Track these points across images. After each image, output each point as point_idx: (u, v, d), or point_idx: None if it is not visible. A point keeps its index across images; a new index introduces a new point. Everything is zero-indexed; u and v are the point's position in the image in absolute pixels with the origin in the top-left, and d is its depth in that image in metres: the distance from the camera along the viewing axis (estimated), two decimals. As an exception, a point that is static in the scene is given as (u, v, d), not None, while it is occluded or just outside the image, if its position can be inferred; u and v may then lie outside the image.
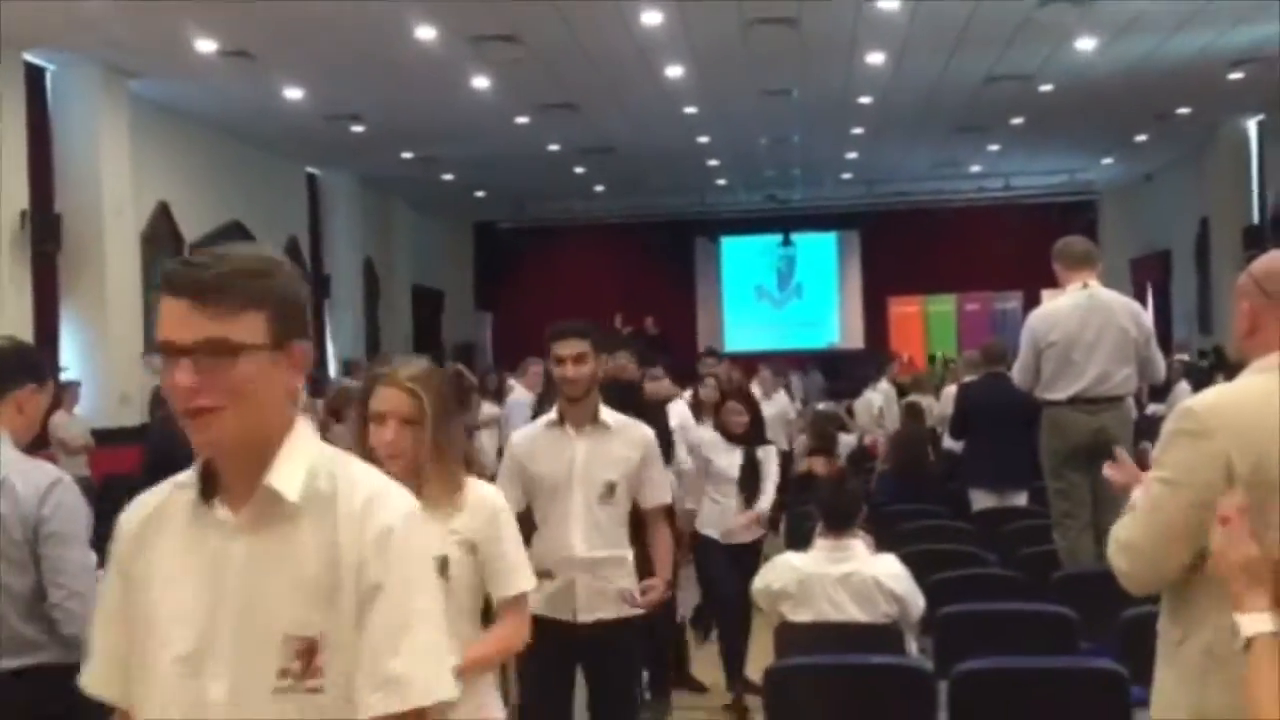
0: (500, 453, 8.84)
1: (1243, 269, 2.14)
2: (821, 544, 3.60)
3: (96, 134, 11.10)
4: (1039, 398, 4.96)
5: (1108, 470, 2.36)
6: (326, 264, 17.02)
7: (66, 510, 2.76)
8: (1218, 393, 2.06)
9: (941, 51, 11.70)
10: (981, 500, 6.35)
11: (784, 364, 13.05)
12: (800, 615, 3.49)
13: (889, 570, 3.53)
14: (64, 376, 10.41)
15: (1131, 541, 2.01)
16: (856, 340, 22.59)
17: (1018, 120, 15.16)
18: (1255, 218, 15.68)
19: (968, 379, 7.31)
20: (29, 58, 10.65)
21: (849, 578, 3.50)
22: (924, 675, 3.08)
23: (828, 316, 23.01)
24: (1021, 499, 6.31)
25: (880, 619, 3.47)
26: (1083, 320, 4.88)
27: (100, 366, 10.94)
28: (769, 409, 7.84)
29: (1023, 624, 3.65)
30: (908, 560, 4.00)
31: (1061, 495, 4.90)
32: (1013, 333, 19.46)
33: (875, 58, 11.88)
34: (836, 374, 18.74)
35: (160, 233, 12.67)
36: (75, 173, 11.06)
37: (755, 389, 7.81)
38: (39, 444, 9.37)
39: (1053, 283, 18.86)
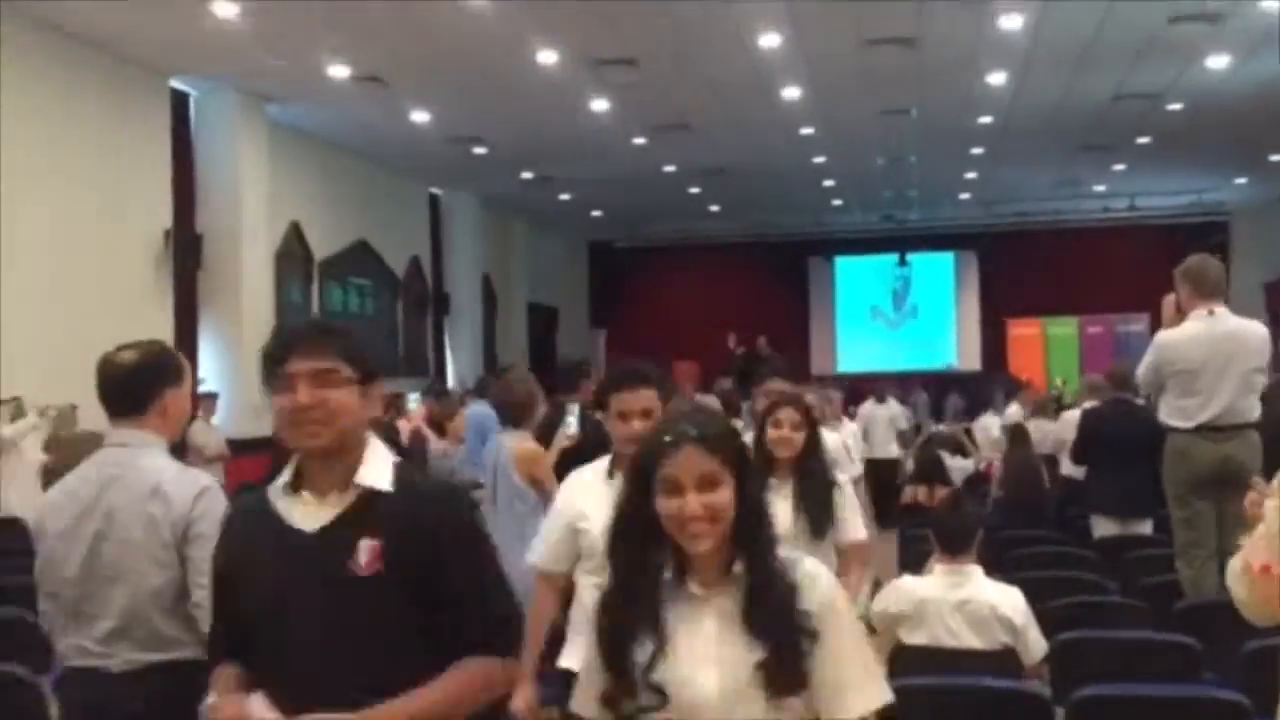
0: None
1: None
2: (939, 569, 3.61)
3: (236, 156, 11.63)
4: (1163, 423, 4.89)
5: (1248, 499, 2.34)
6: (447, 281, 17.45)
7: (213, 515, 2.93)
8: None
9: (1065, 70, 11.52)
10: (1104, 528, 6.22)
11: (893, 385, 13.09)
12: (916, 638, 3.51)
13: (1009, 601, 3.52)
14: (202, 389, 10.92)
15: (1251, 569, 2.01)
16: (973, 362, 22.24)
17: (1144, 140, 14.81)
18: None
19: (1089, 404, 7.18)
20: (174, 84, 11.22)
21: (965, 604, 3.50)
22: (1041, 700, 3.08)
23: (944, 338, 22.70)
24: (1146, 528, 6.17)
25: (996, 646, 3.47)
26: (1210, 348, 4.81)
27: (236, 379, 11.41)
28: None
29: (1144, 652, 3.60)
30: (1024, 586, 3.98)
31: (1186, 524, 4.82)
32: (1137, 356, 19.03)
33: (996, 77, 11.76)
34: (953, 396, 18.57)
35: (292, 251, 13.17)
36: (215, 194, 11.59)
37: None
38: (177, 451, 9.85)
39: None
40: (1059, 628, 3.70)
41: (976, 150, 15.38)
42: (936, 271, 22.73)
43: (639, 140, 14.08)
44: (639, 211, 19.92)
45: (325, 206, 13.92)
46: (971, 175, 17.36)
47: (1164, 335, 5.00)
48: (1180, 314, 4.94)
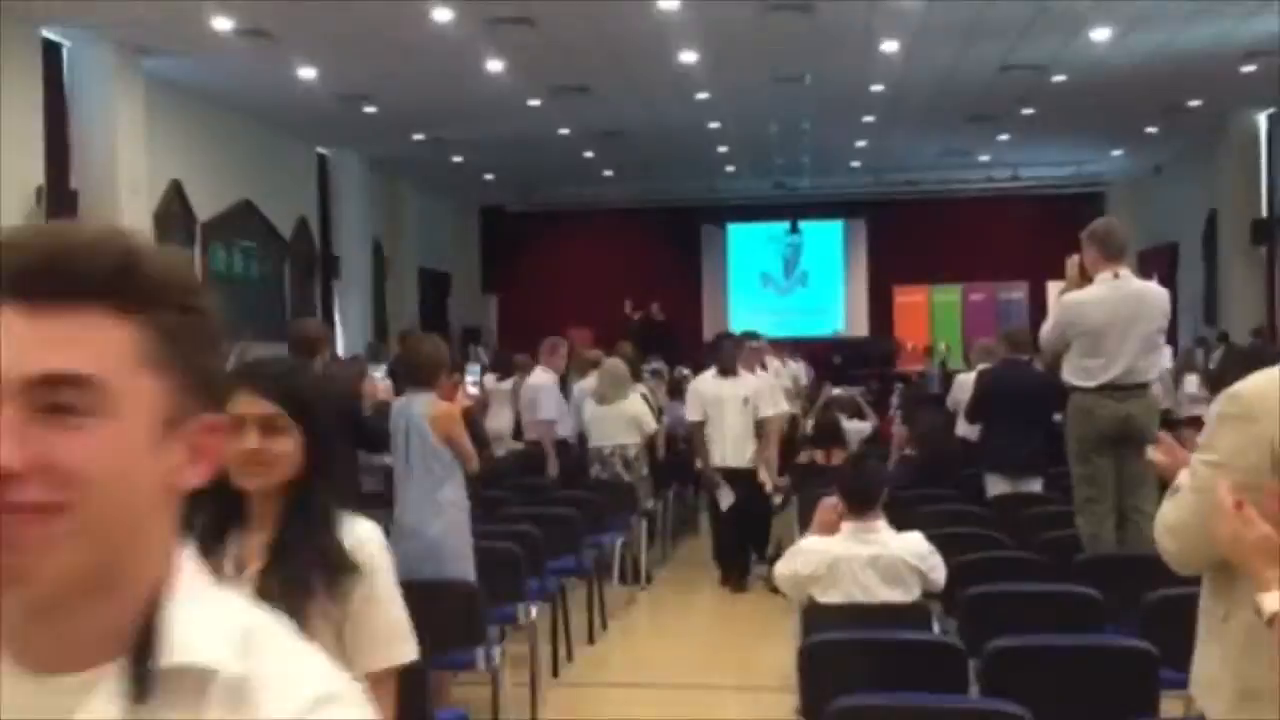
0: (517, 424, 9.41)
1: (1251, 262, 2.20)
2: (847, 526, 3.65)
3: (112, 111, 11.12)
4: (1066, 382, 5.01)
5: (1152, 453, 2.39)
6: (335, 245, 17.05)
7: None
8: (1267, 377, 2.11)
9: (956, 39, 11.71)
10: (997, 486, 6.39)
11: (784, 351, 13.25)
12: (830, 597, 3.54)
13: (915, 549, 3.58)
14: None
15: (1180, 523, 2.05)
16: (861, 329, 22.65)
17: (1029, 110, 15.17)
18: (1264, 211, 15.70)
19: (982, 366, 7.35)
20: (46, 34, 10.66)
21: (877, 559, 3.55)
22: (955, 651, 3.13)
23: (833, 305, 23.05)
24: (1037, 486, 6.36)
25: (909, 598, 3.52)
26: (1116, 310, 4.91)
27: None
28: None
29: (1048, 605, 3.71)
30: (939, 548, 4.05)
31: (1087, 481, 4.93)
32: (1017, 323, 19.57)
33: (890, 45, 11.90)
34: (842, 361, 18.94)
35: (173, 211, 12.70)
36: (91, 150, 11.09)
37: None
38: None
39: (1058, 274, 18.80)
40: (965, 582, 3.78)
41: (868, 118, 15.57)
42: (826, 239, 23.04)
43: (534, 102, 13.90)
44: (533, 175, 19.72)
45: (208, 165, 13.45)
46: (862, 143, 17.58)
47: (1071, 296, 5.09)
48: (1084, 276, 5.03)
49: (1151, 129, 16.57)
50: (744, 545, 7.56)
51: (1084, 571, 4.18)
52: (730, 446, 7.29)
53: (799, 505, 6.31)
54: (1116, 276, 4.98)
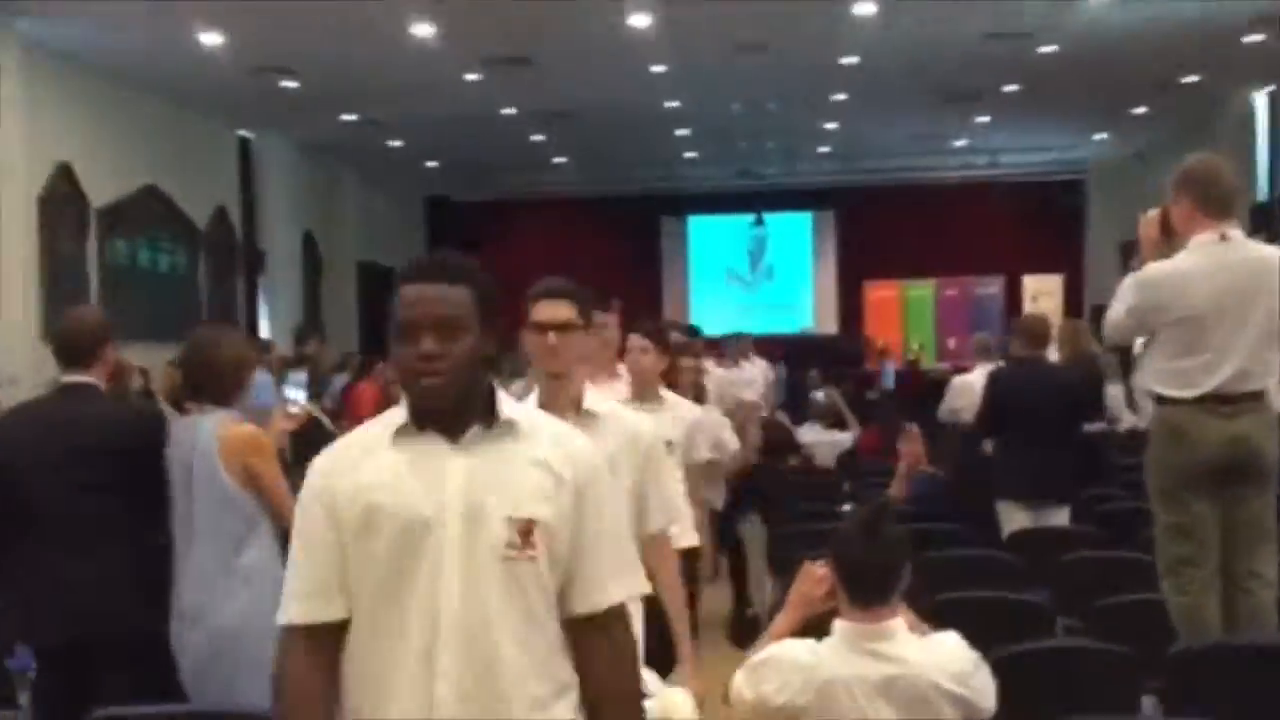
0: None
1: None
2: (845, 628, 2.37)
3: (-22, 79, 9.70)
4: (1149, 391, 3.62)
5: None
6: (260, 238, 15.64)
7: None
8: None
9: (940, 3, 10.51)
10: (1013, 519, 5.14)
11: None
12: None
13: (951, 665, 2.31)
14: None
15: None
16: (830, 325, 21.53)
17: (1011, 87, 14.02)
18: (1263, 195, 14.64)
19: (987, 365, 6.12)
20: (-106, -13, 9.24)
21: (893, 684, 2.28)
22: None
23: (801, 300, 21.89)
24: (1063, 517, 5.11)
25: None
26: (1223, 287, 3.48)
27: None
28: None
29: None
30: (947, 619, 2.80)
31: (1179, 533, 3.50)
32: (992, 321, 18.50)
33: (864, 8, 10.67)
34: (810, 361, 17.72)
35: (60, 194, 11.26)
36: (-48, 123, 9.67)
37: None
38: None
39: (1036, 268, 17.66)
40: (1019, 701, 2.50)
41: (838, 96, 14.35)
42: (793, 232, 21.87)
43: (472, 75, 12.58)
44: (479, 163, 18.40)
45: (103, 146, 12.00)
46: (831, 125, 16.38)
47: (1156, 269, 3.60)
48: (1170, 237, 3.57)
49: (1139, 109, 15.49)
50: None
51: (1185, 669, 2.88)
52: None
53: (768, 540, 5.01)
54: (1224, 239, 3.52)
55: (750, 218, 21.47)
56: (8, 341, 9.71)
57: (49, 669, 3.16)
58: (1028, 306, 19.20)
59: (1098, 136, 17.73)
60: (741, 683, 2.39)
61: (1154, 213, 3.62)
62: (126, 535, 3.45)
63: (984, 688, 2.38)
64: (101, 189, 11.92)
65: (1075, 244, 20.47)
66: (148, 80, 12.25)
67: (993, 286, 21.11)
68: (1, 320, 9.82)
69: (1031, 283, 20.45)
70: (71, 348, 3.60)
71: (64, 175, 11.31)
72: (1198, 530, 3.44)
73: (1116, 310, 3.62)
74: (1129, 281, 3.61)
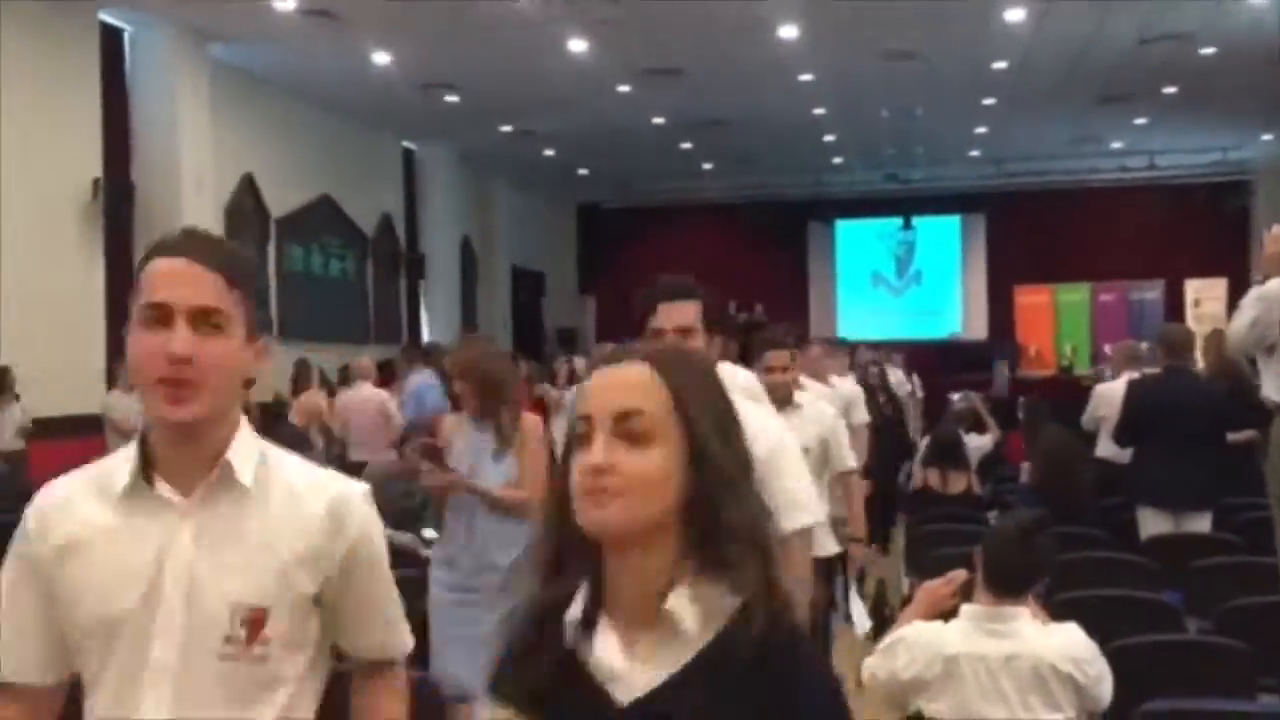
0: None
1: None
2: (973, 611, 2.61)
3: (174, 100, 10.55)
4: (1267, 400, 3.76)
5: None
6: (422, 242, 16.41)
7: None
8: None
9: (1091, 6, 10.43)
10: (1153, 525, 5.22)
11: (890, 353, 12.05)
12: (943, 710, 2.51)
13: (1070, 650, 2.52)
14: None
15: None
16: (980, 331, 21.20)
17: (1170, 90, 13.71)
18: None
19: (1130, 375, 6.16)
20: (105, 17, 10.13)
21: (1014, 661, 2.50)
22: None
23: (949, 305, 21.65)
24: (1204, 524, 5.16)
25: (1053, 715, 2.48)
26: None
27: (175, 344, 10.37)
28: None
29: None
30: (1074, 613, 2.99)
31: None
32: (1151, 325, 17.99)
33: (1015, 14, 10.66)
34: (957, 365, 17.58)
35: (245, 206, 12.13)
36: (152, 140, 10.54)
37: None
38: (92, 426, 8.86)
39: (1199, 271, 17.03)
40: (1131, 684, 2.69)
41: (988, 101, 14.27)
42: (942, 235, 21.64)
43: (624, 88, 12.99)
44: (628, 170, 18.84)
45: (283, 159, 12.85)
46: (982, 130, 16.25)
47: (1275, 285, 3.77)
48: None
49: (1309, 109, 14.92)
50: None
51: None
52: None
53: (906, 542, 5.21)
54: None
55: (898, 222, 21.34)
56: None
57: None
58: (1190, 310, 18.64)
59: (1265, 137, 17.10)
60: (873, 664, 2.66)
61: (1277, 229, 3.73)
62: None
63: (1100, 676, 2.57)
64: (280, 199, 12.75)
65: (1241, 246, 19.74)
66: (323, 97, 13.05)
67: (1152, 290, 20.48)
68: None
69: (1194, 286, 19.81)
70: None
71: (248, 187, 12.15)
72: (1317, 535, 3.54)
73: (1239, 322, 3.74)
74: (1252, 295, 3.73)
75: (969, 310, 21.56)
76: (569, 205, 21.92)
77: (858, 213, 21.53)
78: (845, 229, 21.91)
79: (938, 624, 2.65)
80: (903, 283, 21.93)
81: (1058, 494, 5.09)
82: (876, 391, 8.13)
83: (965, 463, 6.11)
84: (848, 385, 6.20)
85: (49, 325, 9.05)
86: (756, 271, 20.69)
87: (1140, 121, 15.77)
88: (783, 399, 3.88)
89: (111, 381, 9.16)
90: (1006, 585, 2.59)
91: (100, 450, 8.50)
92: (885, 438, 7.37)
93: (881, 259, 21.96)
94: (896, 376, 10.46)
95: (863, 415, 5.92)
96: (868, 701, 2.85)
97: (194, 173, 10.72)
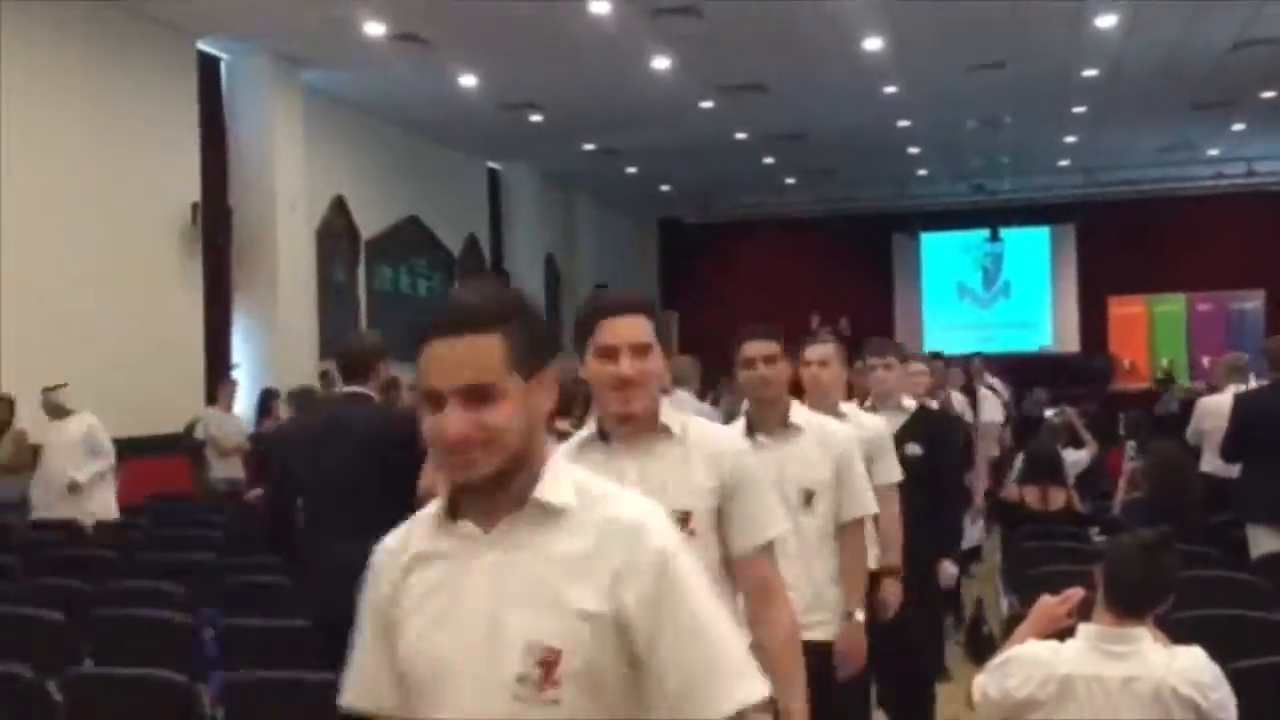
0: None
1: None
2: (1092, 630, 2.53)
3: (269, 125, 10.83)
4: None
5: None
6: (507, 261, 16.58)
7: None
8: None
9: (1185, 9, 10.19)
10: (1266, 542, 5.05)
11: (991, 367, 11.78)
12: (1056, 727, 2.45)
13: (1193, 674, 2.44)
14: (234, 374, 10.16)
15: None
16: (1072, 343, 20.80)
17: (1268, 94, 13.34)
18: None
19: (1237, 388, 5.98)
20: (202, 46, 10.43)
21: (1131, 684, 2.43)
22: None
23: (1039, 317, 21.26)
24: (1317, 542, 4.99)
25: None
26: None
27: (270, 363, 10.63)
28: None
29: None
30: (1186, 634, 2.90)
31: None
32: (1251, 336, 17.41)
33: (1105, 21, 10.46)
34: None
35: (335, 228, 12.39)
36: (248, 165, 10.82)
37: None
38: (190, 445, 9.08)
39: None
40: (1255, 713, 2.60)
41: (1078, 109, 14.01)
42: (1030, 247, 21.27)
43: (706, 104, 13.01)
44: (710, 185, 18.83)
45: (371, 180, 13.10)
46: (1071, 139, 15.96)
47: None
48: None
49: None
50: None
51: None
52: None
53: (1004, 559, 5.10)
54: None
55: (985, 234, 21.03)
56: (292, 359, 10.74)
57: (325, 637, 3.62)
58: (1292, 322, 18.08)
59: (1370, 140, 16.53)
60: (985, 682, 2.59)
61: None
62: (387, 524, 3.91)
63: (1223, 702, 2.48)
64: (369, 220, 12.99)
65: (1347, 255, 19.12)
66: (410, 119, 13.28)
67: (1252, 300, 19.91)
68: (281, 341, 10.84)
69: (1297, 294, 19.21)
70: (352, 364, 4.10)
71: (338, 208, 12.40)
72: None
73: None
74: None
75: (1060, 322, 21.16)
76: (651, 222, 22.00)
77: (943, 225, 21.27)
78: (931, 241, 21.67)
79: (1053, 643, 2.58)
80: (990, 295, 21.61)
81: (1168, 510, 4.95)
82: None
83: (1063, 478, 5.97)
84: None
85: (150, 347, 9.31)
86: (841, 286, 20.54)
87: (1237, 128, 15.36)
88: (772, 408, 3.22)
89: (211, 400, 9.39)
90: (1130, 604, 2.51)
91: (190, 468, 8.57)
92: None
93: (968, 271, 21.67)
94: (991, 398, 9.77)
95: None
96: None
97: (287, 196, 10.97)
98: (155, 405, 9.11)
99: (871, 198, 19.66)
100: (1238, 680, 2.68)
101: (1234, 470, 5.52)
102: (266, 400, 9.57)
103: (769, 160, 16.71)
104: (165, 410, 9.20)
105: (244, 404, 9.77)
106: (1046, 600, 2.70)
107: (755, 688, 1.45)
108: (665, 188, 18.93)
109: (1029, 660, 2.54)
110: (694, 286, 21.56)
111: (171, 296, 9.83)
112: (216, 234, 10.34)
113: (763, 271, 21.20)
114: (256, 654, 3.84)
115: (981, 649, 5.26)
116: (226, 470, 8.63)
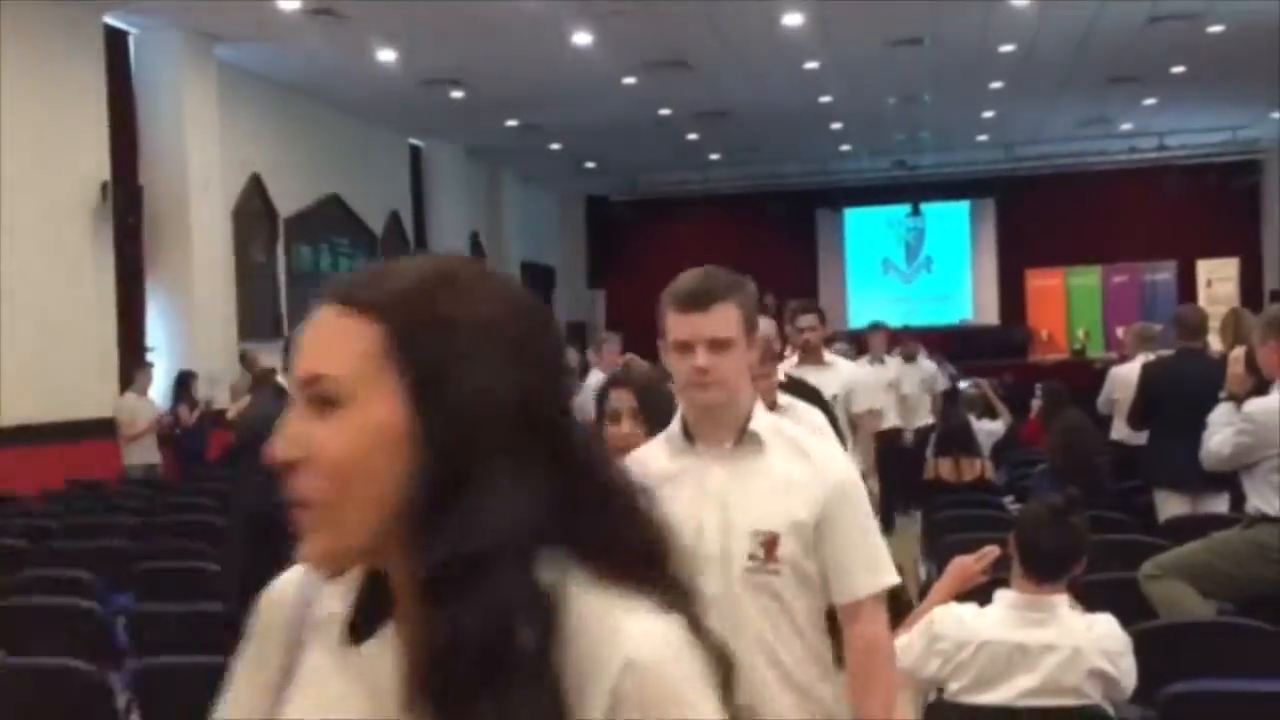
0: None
1: None
2: (1009, 597, 2.57)
3: (180, 101, 10.56)
4: (1255, 510, 3.70)
5: None
6: (430, 239, 16.40)
7: None
8: None
9: (1098, -14, 10.38)
10: (1171, 507, 5.19)
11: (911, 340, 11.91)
12: (965, 692, 2.49)
13: (1107, 644, 2.49)
14: (150, 356, 9.95)
15: None
16: (991, 316, 21.16)
17: (1179, 69, 13.63)
18: None
19: (1145, 357, 6.13)
20: (109, 20, 10.14)
21: (1047, 652, 2.47)
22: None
23: (960, 291, 21.60)
24: (1222, 504, 5.13)
25: (1078, 702, 2.45)
26: None
27: (186, 345, 10.42)
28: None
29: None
30: (1094, 597, 2.98)
31: None
32: (1164, 307, 17.86)
33: (1021, -3, 10.61)
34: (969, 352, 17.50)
35: (252, 206, 12.14)
36: (159, 143, 10.56)
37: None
38: (105, 429, 8.88)
39: (1211, 251, 16.84)
40: (1161, 668, 2.67)
41: (995, 85, 14.21)
42: (951, 221, 21.58)
43: (630, 80, 12.97)
44: (634, 162, 18.81)
45: (289, 158, 12.85)
46: (989, 114, 16.19)
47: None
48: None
49: (1320, 86, 14.80)
50: None
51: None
52: None
53: (922, 529, 5.19)
54: None
55: (907, 209, 21.28)
56: (210, 340, 10.53)
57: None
58: (1202, 291, 18.56)
59: (1275, 115, 16.98)
60: (902, 645, 2.62)
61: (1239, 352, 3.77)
62: None
63: (1129, 670, 2.55)
64: (288, 199, 12.76)
65: (1252, 225, 19.66)
66: (329, 95, 13.05)
67: (1164, 272, 20.39)
68: (198, 322, 10.61)
69: (1206, 266, 19.71)
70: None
71: (255, 186, 12.16)
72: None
73: (1217, 445, 4.02)
74: (1229, 416, 4.00)
75: (980, 295, 21.51)
76: (577, 199, 21.91)
77: (866, 200, 21.47)
78: (854, 217, 21.87)
79: (972, 607, 2.62)
80: (913, 269, 21.89)
81: (1076, 477, 5.06)
82: None
83: (977, 449, 6.07)
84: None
85: (59, 330, 9.06)
86: (766, 261, 20.51)
87: (1149, 102, 15.70)
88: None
89: (125, 384, 9.17)
90: (1045, 570, 2.55)
91: (107, 454, 8.45)
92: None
93: (891, 246, 21.91)
94: (924, 371, 9.88)
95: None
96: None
97: (201, 174, 10.74)
98: (66, 389, 8.88)
99: (795, 174, 19.78)
100: (1143, 640, 2.76)
101: (1142, 438, 5.67)
102: (183, 382, 9.37)
103: (693, 137, 16.72)
104: (76, 394, 8.98)
105: (160, 386, 9.56)
106: (961, 560, 2.74)
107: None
108: (591, 165, 18.85)
109: (950, 624, 2.56)
110: (622, 263, 21.52)
111: (81, 277, 9.56)
112: (127, 213, 10.08)
113: (689, 248, 21.06)
114: (170, 640, 3.78)
115: (898, 614, 5.34)
116: (143, 455, 8.45)
